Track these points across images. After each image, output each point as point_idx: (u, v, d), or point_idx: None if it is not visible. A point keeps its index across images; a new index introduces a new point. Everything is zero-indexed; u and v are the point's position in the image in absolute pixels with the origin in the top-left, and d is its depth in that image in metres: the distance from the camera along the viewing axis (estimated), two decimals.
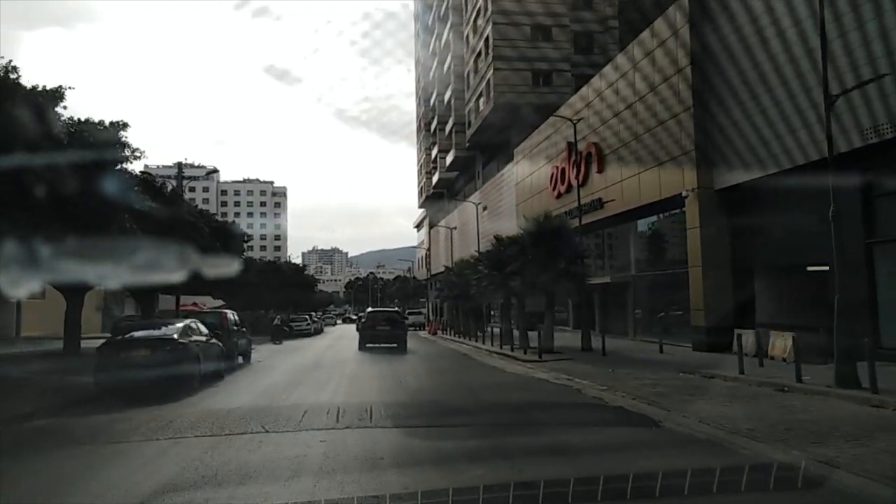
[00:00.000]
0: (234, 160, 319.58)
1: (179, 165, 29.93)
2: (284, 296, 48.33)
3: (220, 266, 22.35)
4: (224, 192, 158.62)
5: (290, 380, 14.41)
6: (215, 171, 30.40)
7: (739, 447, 6.84)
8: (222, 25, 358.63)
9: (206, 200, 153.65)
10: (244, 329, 20.01)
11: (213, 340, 14.85)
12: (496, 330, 33.10)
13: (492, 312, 42.79)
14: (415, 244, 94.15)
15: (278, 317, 35.96)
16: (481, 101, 49.50)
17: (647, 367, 15.99)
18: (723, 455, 6.57)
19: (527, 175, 38.06)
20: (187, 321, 13.66)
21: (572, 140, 31.02)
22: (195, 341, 13.17)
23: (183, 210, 18.07)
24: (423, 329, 51.04)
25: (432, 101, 70.35)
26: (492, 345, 25.37)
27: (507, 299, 26.43)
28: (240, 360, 19.30)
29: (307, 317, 44.24)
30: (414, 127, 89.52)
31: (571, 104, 31.71)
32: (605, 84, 26.50)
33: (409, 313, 56.83)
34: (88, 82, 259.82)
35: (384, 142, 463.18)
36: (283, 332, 38.73)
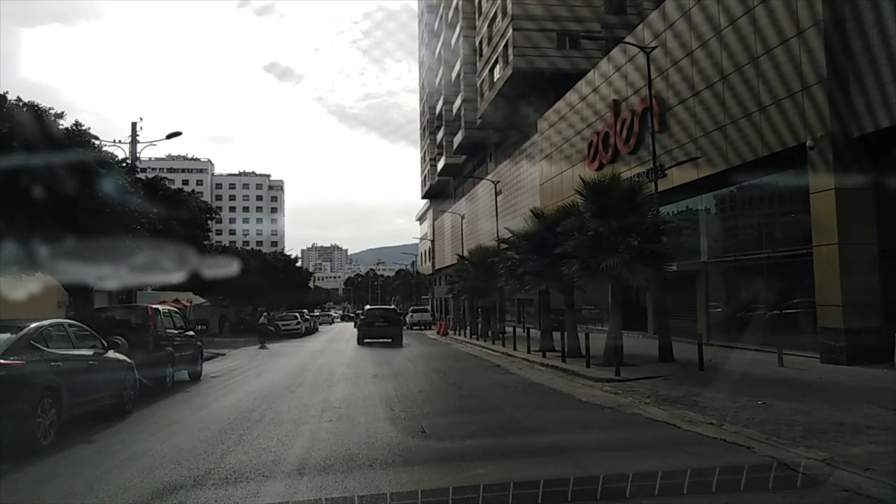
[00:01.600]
0: (234, 158, 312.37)
1: (133, 126, 24.19)
2: (276, 292, 42.66)
3: (168, 251, 16.53)
4: (219, 186, 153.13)
5: (233, 424, 8.45)
6: (178, 133, 24.56)
7: None
8: (224, 24, 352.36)
9: (199, 194, 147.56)
10: (192, 332, 14.14)
11: (110, 354, 8.99)
12: (508, 330, 27.37)
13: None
14: (416, 242, 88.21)
15: (263, 315, 30.07)
16: (497, 67, 43.53)
17: (806, 394, 10.13)
18: None
19: (554, 148, 32.18)
20: (40, 324, 7.67)
21: (618, 97, 25.38)
22: (47, 359, 7.26)
23: (90, 157, 12.05)
24: (430, 329, 45.15)
25: (438, 78, 64.32)
26: (528, 351, 19.45)
27: (546, 292, 20.53)
28: (183, 375, 13.48)
29: (296, 315, 38.25)
30: (416, 125, 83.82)
31: (613, 58, 25.85)
32: (675, 10, 20.46)
33: (414, 311, 50.96)
34: (89, 79, 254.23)
35: (384, 140, 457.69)
36: (269, 332, 32.99)
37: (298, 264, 54.12)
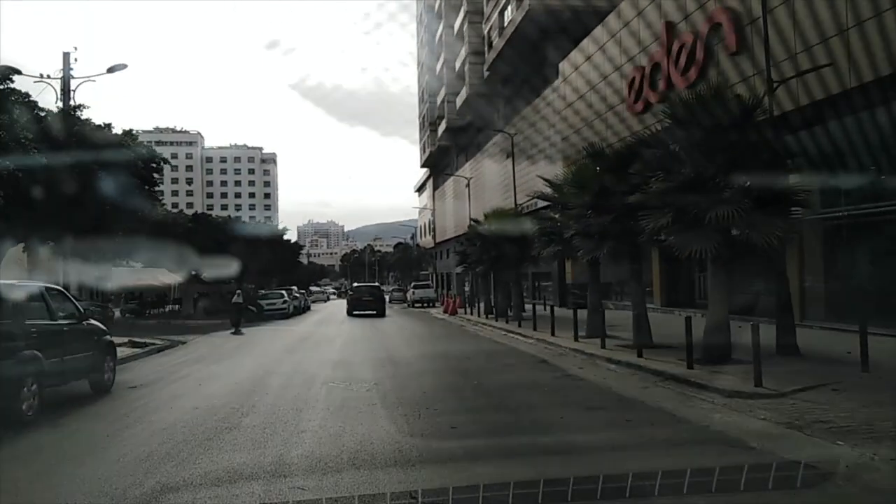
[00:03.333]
0: (226, 132, 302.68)
1: (65, 57, 19.17)
2: (260, 266, 37.87)
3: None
4: (209, 160, 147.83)
5: None
6: (124, 66, 19.57)
7: None
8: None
9: (189, 168, 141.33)
10: (89, 321, 9.23)
11: None
12: (529, 308, 22.64)
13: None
14: (414, 217, 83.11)
15: (238, 292, 25.21)
16: (507, 11, 38.25)
17: None
18: None
19: (581, 93, 27.17)
20: None
21: (670, 19, 20.39)
22: None
23: None
24: (435, 306, 40.37)
25: (439, 33, 58.73)
26: (575, 339, 14.58)
27: (595, 261, 15.49)
28: (85, 386, 8.70)
29: (283, 293, 33.38)
30: (415, 98, 77.91)
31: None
32: None
33: (416, 287, 46.19)
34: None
35: (382, 110, 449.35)
36: (248, 313, 28.20)
37: (287, 237, 49.08)
